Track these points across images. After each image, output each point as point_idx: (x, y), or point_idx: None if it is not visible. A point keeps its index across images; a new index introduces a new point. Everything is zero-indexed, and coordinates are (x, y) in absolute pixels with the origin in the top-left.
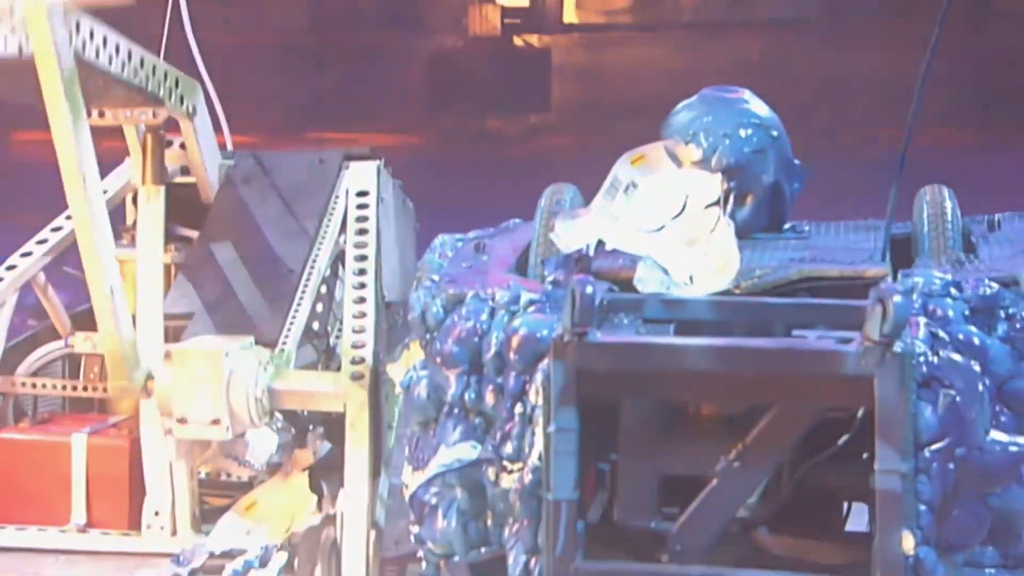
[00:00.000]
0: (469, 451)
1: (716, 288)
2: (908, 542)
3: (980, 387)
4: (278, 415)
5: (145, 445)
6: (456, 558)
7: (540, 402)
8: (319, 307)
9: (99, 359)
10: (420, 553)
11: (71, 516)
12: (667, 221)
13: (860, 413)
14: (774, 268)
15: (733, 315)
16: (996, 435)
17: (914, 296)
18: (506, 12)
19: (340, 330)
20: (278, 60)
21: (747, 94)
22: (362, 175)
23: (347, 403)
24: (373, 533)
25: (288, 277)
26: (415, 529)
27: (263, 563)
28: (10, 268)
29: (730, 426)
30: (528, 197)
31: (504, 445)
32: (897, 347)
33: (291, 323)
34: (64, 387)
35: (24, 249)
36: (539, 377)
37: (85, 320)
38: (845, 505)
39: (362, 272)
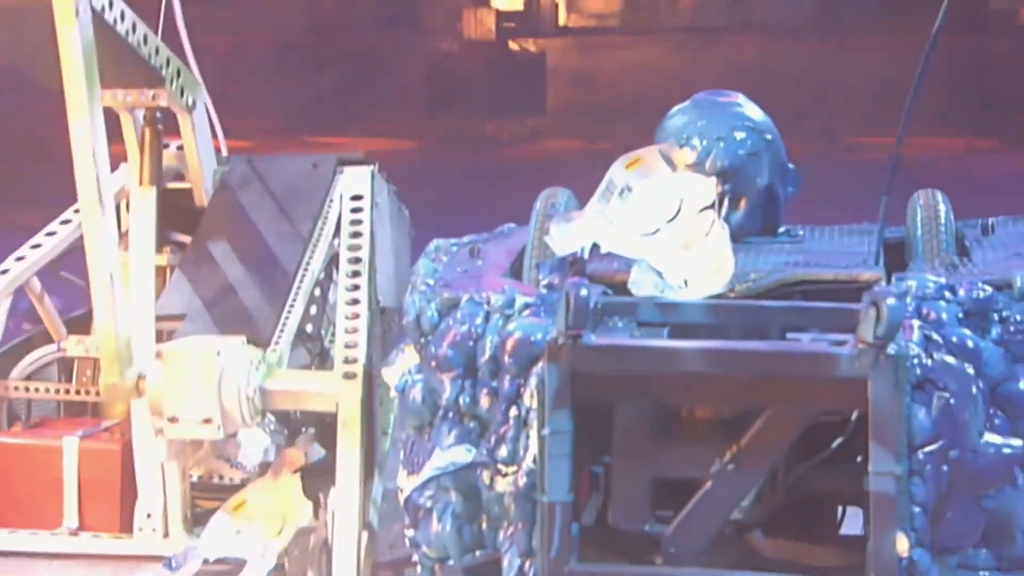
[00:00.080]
0: (464, 454)
1: (710, 291)
2: (902, 544)
3: (974, 389)
4: (270, 417)
5: (137, 447)
6: (451, 562)
7: (535, 405)
8: (313, 310)
9: (91, 363)
10: (415, 557)
11: (63, 519)
12: (662, 224)
13: (854, 416)
14: (768, 272)
15: (727, 318)
16: (990, 437)
17: (908, 299)
18: (501, 16)
19: (333, 334)
20: (273, 65)
21: (741, 98)
22: (356, 179)
23: (339, 402)
24: (365, 534)
25: (282, 279)
26: (410, 533)
27: None
28: (3, 272)
29: (724, 429)
30: (523, 201)
31: (499, 448)
32: (891, 350)
33: (284, 323)
34: (57, 391)
35: (18, 253)
36: (533, 380)
37: (79, 325)
38: (839, 508)
39: (356, 275)
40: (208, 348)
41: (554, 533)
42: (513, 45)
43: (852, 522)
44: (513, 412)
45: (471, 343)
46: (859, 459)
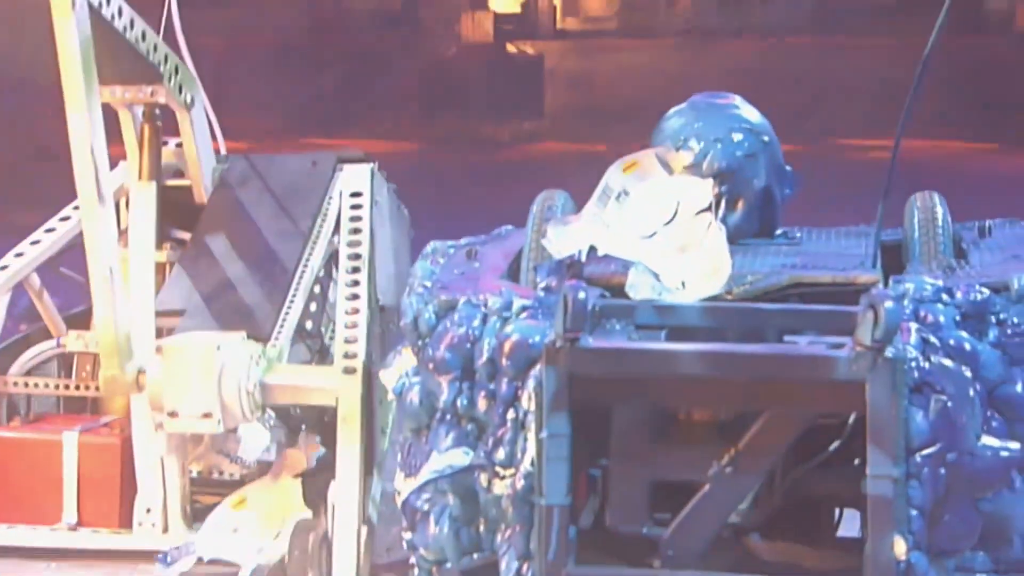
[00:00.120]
0: (461, 457)
1: (708, 294)
2: (900, 547)
3: (971, 392)
4: (270, 412)
5: (136, 442)
6: (448, 564)
7: (532, 408)
8: (313, 306)
9: (91, 358)
10: (412, 560)
11: (62, 514)
12: (659, 227)
13: (851, 418)
14: (766, 274)
15: (725, 321)
16: (987, 440)
17: (905, 302)
18: (500, 18)
19: (333, 331)
20: (271, 66)
21: (738, 100)
22: (356, 177)
23: (339, 397)
24: (365, 529)
25: (281, 275)
26: (407, 536)
27: None
28: (3, 268)
29: (722, 432)
30: (520, 203)
31: (496, 451)
32: (889, 352)
33: (284, 318)
34: (57, 386)
35: (17, 250)
36: (531, 383)
37: (78, 322)
38: (837, 510)
39: (355, 271)
40: (208, 343)
41: (552, 536)
42: (511, 47)
43: (849, 525)
44: (511, 415)
45: (468, 345)
46: (856, 462)
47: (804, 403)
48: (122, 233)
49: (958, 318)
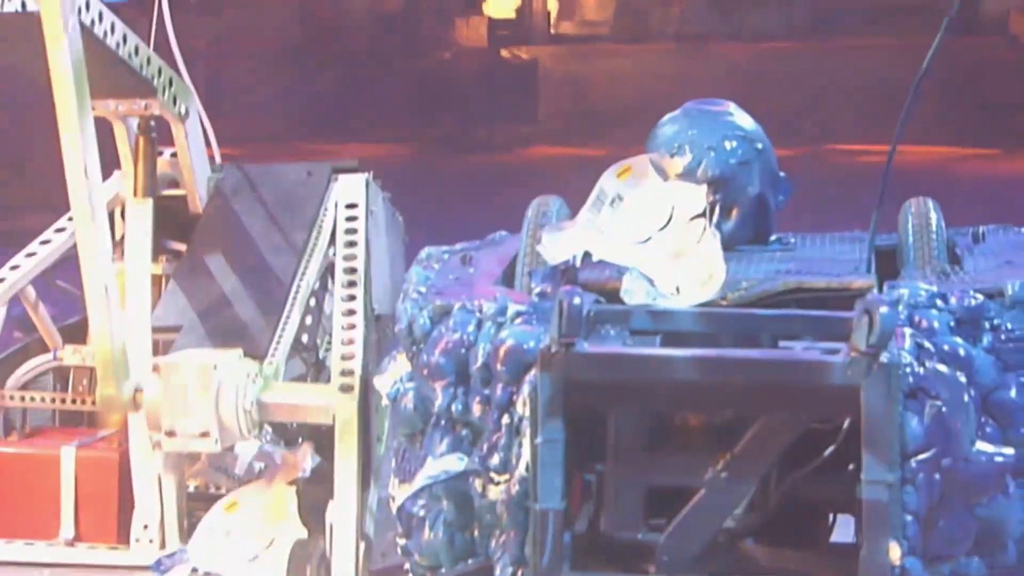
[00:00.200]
0: (456, 463)
1: (702, 299)
2: (895, 552)
3: (966, 398)
4: (267, 428)
5: (134, 458)
6: (443, 570)
7: (527, 413)
8: (308, 320)
9: (88, 372)
10: (407, 565)
11: (60, 529)
12: (653, 233)
13: (846, 424)
14: (760, 280)
15: (720, 326)
16: (981, 446)
17: (900, 307)
18: (494, 24)
19: (329, 343)
20: (265, 71)
21: (732, 106)
22: (351, 188)
23: (336, 415)
24: (363, 545)
25: (277, 290)
26: (402, 541)
27: None
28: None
29: (717, 437)
30: (515, 208)
31: (491, 456)
32: (883, 358)
33: (280, 335)
34: (53, 400)
35: (13, 262)
36: (526, 388)
37: (74, 333)
38: (831, 516)
39: (351, 284)
40: (205, 362)
41: (546, 541)
42: (505, 53)
43: (844, 530)
44: (505, 420)
45: (463, 351)
46: (851, 467)
47: (799, 408)
48: (116, 244)
49: (952, 324)
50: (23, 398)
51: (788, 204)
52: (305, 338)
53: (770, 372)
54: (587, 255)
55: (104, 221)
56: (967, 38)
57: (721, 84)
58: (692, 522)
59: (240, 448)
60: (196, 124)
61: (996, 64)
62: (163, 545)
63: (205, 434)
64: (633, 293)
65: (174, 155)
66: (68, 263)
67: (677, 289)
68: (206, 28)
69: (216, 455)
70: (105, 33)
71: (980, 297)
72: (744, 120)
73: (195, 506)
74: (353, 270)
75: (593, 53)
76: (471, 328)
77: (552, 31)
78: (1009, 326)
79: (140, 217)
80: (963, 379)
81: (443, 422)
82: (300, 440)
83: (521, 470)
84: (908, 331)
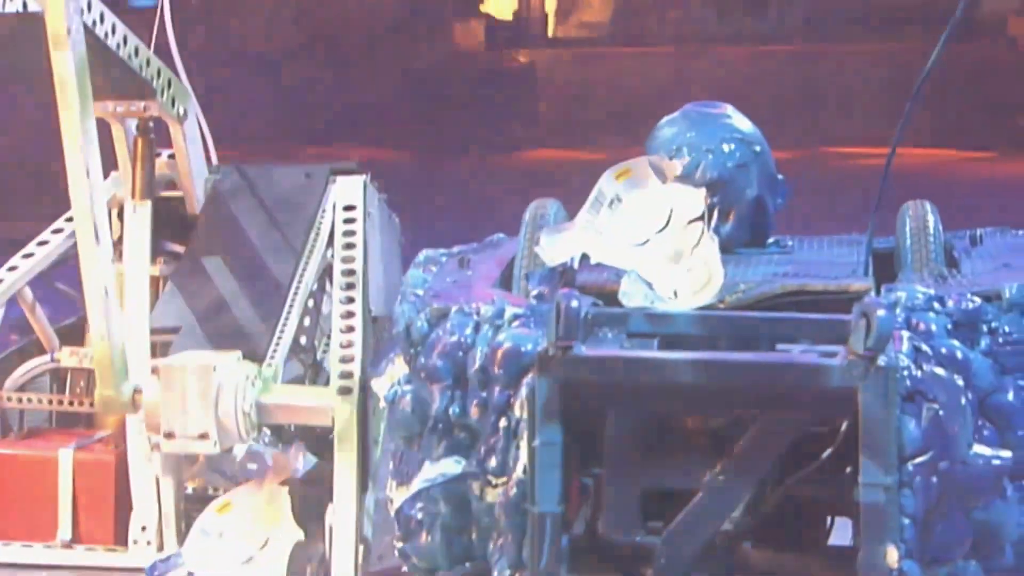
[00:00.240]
0: (453, 466)
1: (700, 302)
2: (892, 556)
3: (963, 401)
4: (266, 429)
5: (132, 460)
6: (440, 573)
7: (524, 416)
8: (306, 321)
9: (85, 373)
10: (405, 568)
11: (57, 531)
12: (651, 235)
13: (844, 427)
14: (758, 283)
15: (717, 329)
16: (979, 449)
17: (897, 310)
18: (492, 27)
19: (327, 345)
20: (262, 73)
21: (730, 109)
22: (349, 190)
23: (335, 417)
24: (361, 548)
25: (275, 292)
26: (400, 544)
27: None
28: None
29: (714, 440)
30: (513, 211)
31: (489, 459)
32: (881, 361)
33: (279, 337)
34: (50, 402)
35: (11, 263)
36: (524, 391)
37: (71, 335)
38: (828, 519)
39: (350, 287)
40: (205, 364)
41: (544, 544)
42: (503, 55)
43: (841, 533)
44: (503, 423)
45: (461, 354)
46: (849, 470)
47: (796, 411)
48: (115, 245)
49: (950, 327)
50: (20, 399)
51: (785, 206)
52: (303, 340)
53: (768, 375)
54: (585, 257)
55: (105, 223)
56: (965, 41)
57: (720, 87)
58: (690, 525)
59: (238, 450)
60: (194, 125)
61: (994, 66)
62: (161, 547)
63: (204, 436)
64: (631, 296)
65: (171, 156)
66: (65, 264)
67: (675, 292)
68: (204, 30)
69: (214, 457)
70: (106, 34)
71: (977, 300)
72: (742, 123)
73: (193, 508)
74: (351, 272)
75: (592, 56)
76: (469, 331)
77: (551, 34)
78: (1006, 329)
79: (139, 219)
80: (960, 382)
81: (440, 425)
82: (296, 441)
83: (518, 473)
84: (906, 334)
